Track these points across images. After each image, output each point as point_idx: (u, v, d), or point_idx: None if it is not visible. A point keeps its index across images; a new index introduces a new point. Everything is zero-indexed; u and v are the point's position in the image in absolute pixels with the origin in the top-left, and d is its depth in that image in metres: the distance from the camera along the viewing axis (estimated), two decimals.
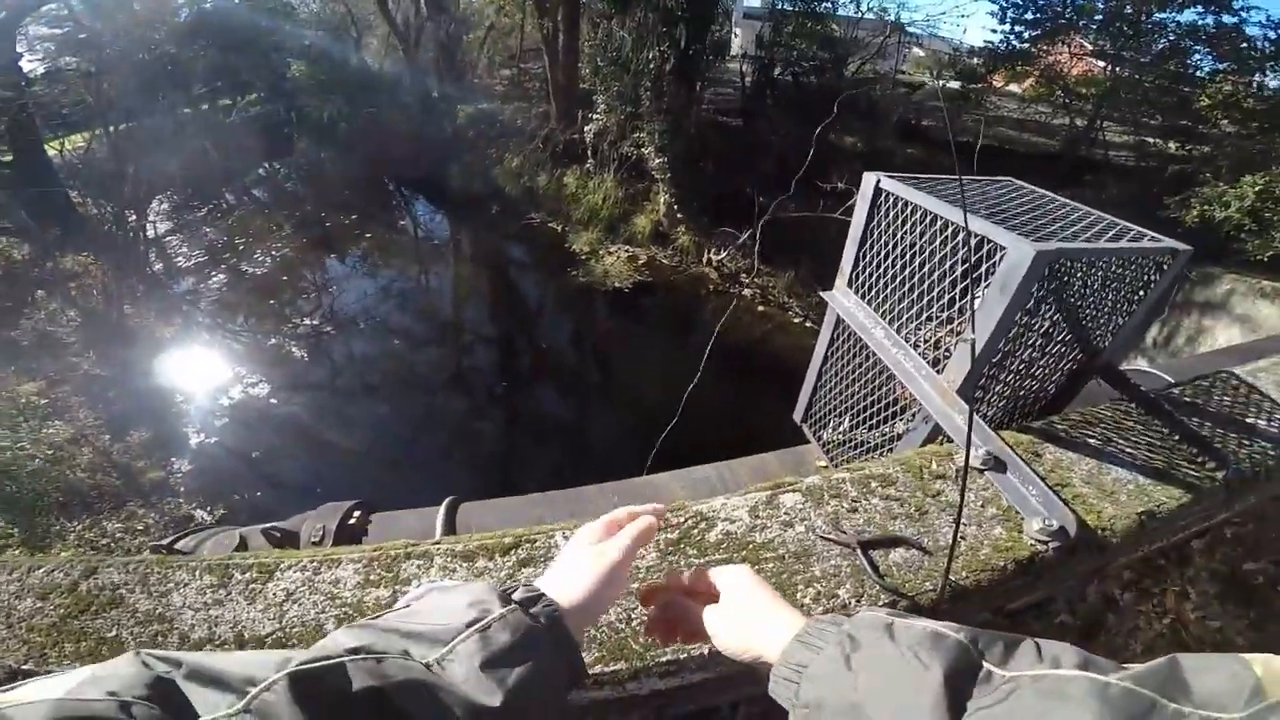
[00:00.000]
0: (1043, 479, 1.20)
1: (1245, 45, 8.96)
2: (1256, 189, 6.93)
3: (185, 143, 9.52)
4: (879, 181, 1.62)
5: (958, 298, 1.41)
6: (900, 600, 1.00)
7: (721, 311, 8.49)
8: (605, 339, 8.32)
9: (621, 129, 9.34)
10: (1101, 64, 10.96)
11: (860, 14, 11.73)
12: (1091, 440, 1.42)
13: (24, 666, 0.94)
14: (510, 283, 9.80)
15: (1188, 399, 1.67)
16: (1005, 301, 1.20)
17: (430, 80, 14.23)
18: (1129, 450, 1.41)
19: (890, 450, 1.72)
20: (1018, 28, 10.64)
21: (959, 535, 0.98)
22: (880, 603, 0.98)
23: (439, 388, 6.81)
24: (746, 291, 8.88)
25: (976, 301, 1.40)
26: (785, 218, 8.46)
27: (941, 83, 13.98)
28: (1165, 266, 1.44)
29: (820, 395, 2.13)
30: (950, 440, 1.41)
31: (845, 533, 1.07)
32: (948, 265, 1.42)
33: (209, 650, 0.97)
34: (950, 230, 1.37)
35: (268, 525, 1.80)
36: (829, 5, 10.69)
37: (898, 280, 1.60)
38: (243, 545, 1.73)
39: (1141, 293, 1.50)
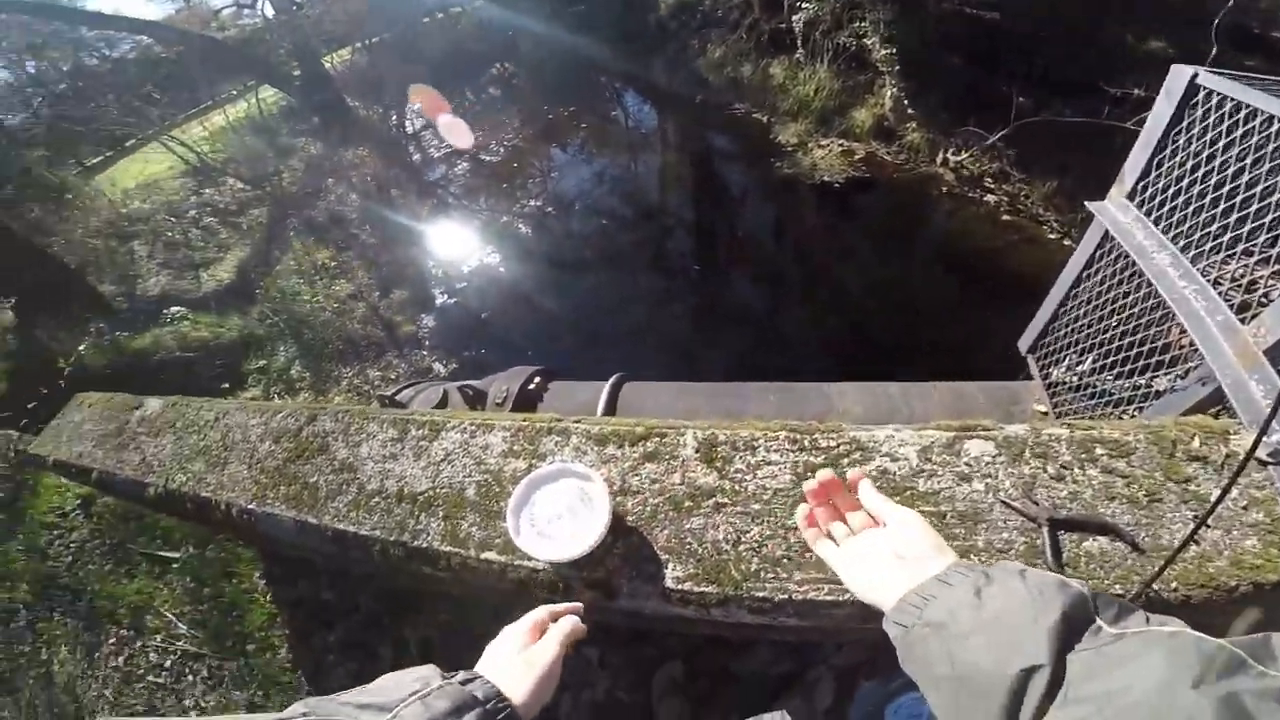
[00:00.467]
0: None
1: None
2: None
3: (428, 49, 10.42)
4: (1195, 76, 1.23)
5: None
6: None
7: (954, 215, 7.40)
8: (808, 233, 7.78)
9: (837, 18, 8.11)
10: None
11: None
12: None
13: (249, 506, 1.20)
14: (712, 171, 9.55)
15: None
16: None
17: None
18: None
19: (1140, 411, 1.37)
20: None
21: (1196, 536, 0.74)
22: None
23: (641, 267, 7.07)
24: (990, 198, 7.52)
25: None
26: (1056, 122, 6.88)
27: None
28: None
29: (1059, 326, 1.75)
30: (1233, 414, 1.06)
31: (1037, 504, 0.87)
32: None
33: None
34: None
35: (464, 383, 2.07)
36: None
37: (1205, 199, 1.20)
38: (444, 399, 2.02)
39: None
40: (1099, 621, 0.50)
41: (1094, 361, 1.59)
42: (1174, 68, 1.28)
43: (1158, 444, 0.96)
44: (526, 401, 1.92)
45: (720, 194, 8.91)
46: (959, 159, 7.63)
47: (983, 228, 7.25)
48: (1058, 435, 0.98)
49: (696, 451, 1.03)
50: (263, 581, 2.17)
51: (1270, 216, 1.06)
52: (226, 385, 5.23)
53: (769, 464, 0.99)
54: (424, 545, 1.03)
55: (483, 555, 0.98)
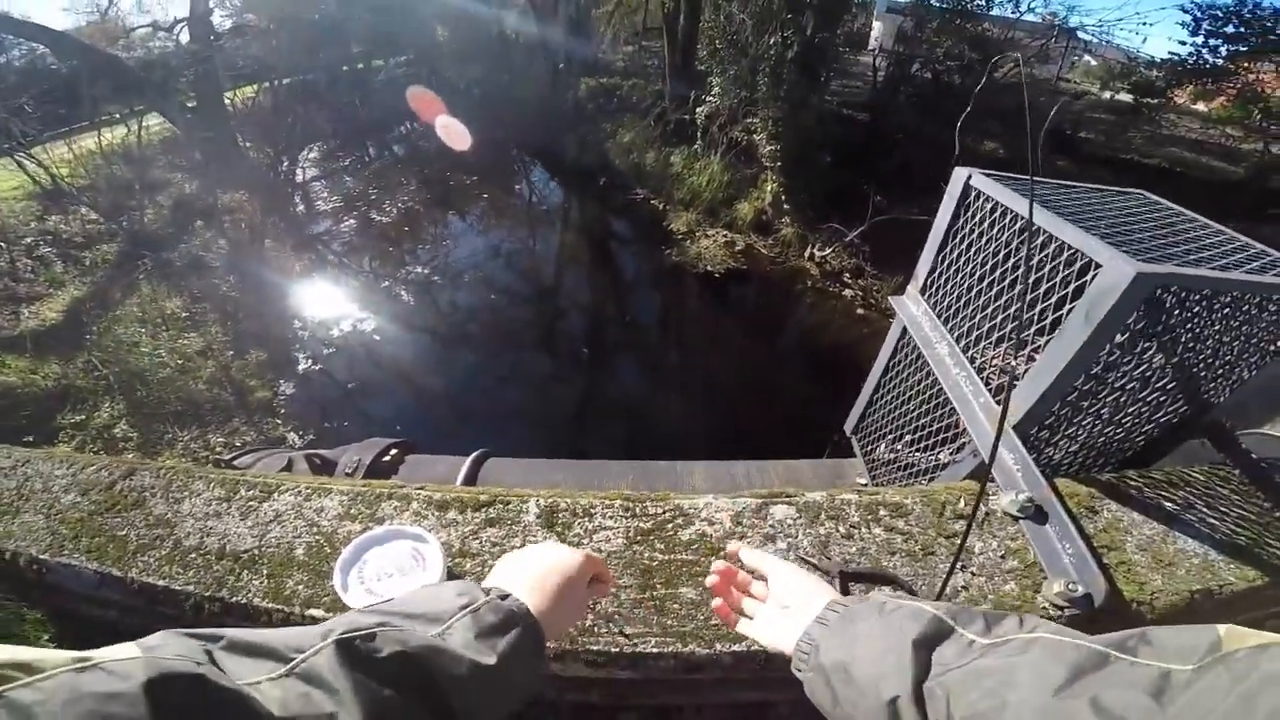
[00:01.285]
0: (1087, 538, 1.03)
1: None
2: None
3: (338, 98, 10.35)
4: (970, 178, 1.45)
5: (1036, 319, 1.23)
6: None
7: (816, 309, 8.16)
8: (692, 321, 8.23)
9: (733, 113, 9.04)
10: None
11: (1018, 14, 10.65)
12: (1167, 504, 1.21)
13: (41, 556, 1.06)
14: (608, 254, 9.95)
15: None
16: (1088, 330, 1.00)
17: (559, 52, 14.63)
18: (1211, 521, 1.18)
19: (932, 479, 1.56)
20: (1213, 41, 9.26)
21: (949, 582, 0.86)
22: None
23: (527, 345, 7.06)
24: (848, 292, 8.42)
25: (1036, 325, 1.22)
26: (903, 220, 7.93)
27: (1109, 94, 12.46)
28: None
29: (874, 409, 1.97)
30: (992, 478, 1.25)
31: (829, 558, 0.97)
32: (1031, 280, 1.24)
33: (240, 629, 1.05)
34: (1042, 238, 1.18)
35: (311, 451, 1.94)
36: (982, 3, 9.74)
37: (974, 292, 1.43)
38: (289, 467, 1.88)
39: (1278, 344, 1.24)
40: (963, 633, 0.53)
41: (903, 440, 1.81)
42: (956, 170, 1.47)
43: (930, 505, 1.11)
44: (379, 473, 1.83)
45: (613, 277, 9.22)
46: (823, 254, 8.53)
47: (840, 320, 8.00)
48: (848, 499, 1.10)
49: (538, 517, 1.05)
50: (52, 645, 1.82)
51: (1014, 307, 1.29)
52: (30, 439, 4.49)
53: (604, 529, 1.03)
54: (243, 601, 0.95)
55: (308, 612, 0.92)
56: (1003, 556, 1.02)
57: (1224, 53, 9.28)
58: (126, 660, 0.37)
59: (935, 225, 1.60)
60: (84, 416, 4.80)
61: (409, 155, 13.32)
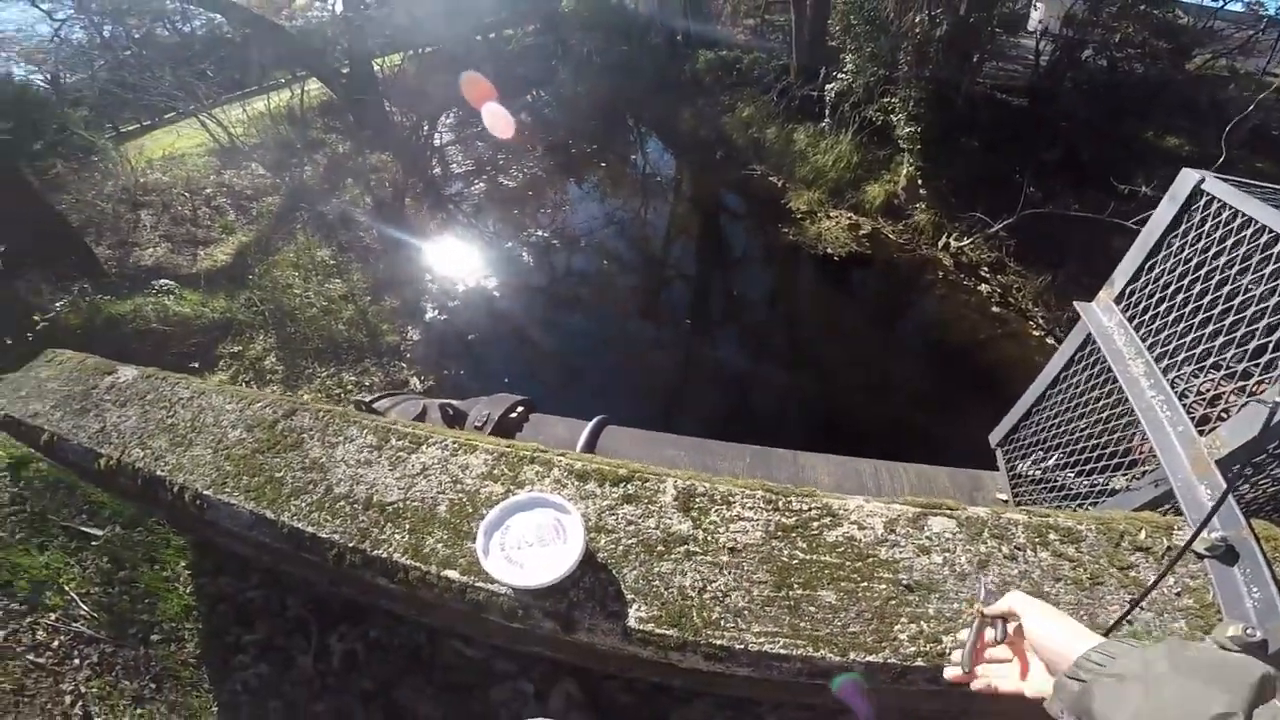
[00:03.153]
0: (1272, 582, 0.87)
1: None
2: None
3: (473, 67, 10.81)
4: (1202, 181, 1.26)
5: (1269, 348, 1.05)
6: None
7: (945, 301, 7.58)
8: (803, 302, 7.94)
9: (869, 91, 8.47)
10: None
11: (1220, 2, 9.11)
12: None
13: (205, 492, 1.17)
14: (719, 228, 9.80)
15: None
16: None
17: (678, 23, 14.34)
18: None
19: (1094, 506, 1.40)
20: None
21: (1130, 616, 0.75)
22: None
23: (633, 312, 7.16)
24: (984, 287, 7.73)
25: None
26: (1058, 215, 7.14)
27: None
28: None
29: (1031, 423, 1.79)
30: (1179, 512, 1.09)
31: (991, 589, 0.88)
32: (1262, 302, 1.06)
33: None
34: None
35: (445, 401, 2.07)
36: None
37: (1187, 308, 1.25)
38: (422, 414, 2.01)
39: None
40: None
41: (1059, 459, 1.63)
42: (1184, 171, 1.30)
43: (1106, 534, 0.99)
44: (506, 429, 1.92)
45: (723, 251, 9.08)
46: (960, 245, 7.87)
47: (971, 317, 7.40)
48: (1015, 520, 1.00)
49: (675, 499, 1.04)
50: (187, 572, 2.09)
51: (1241, 332, 1.11)
52: (196, 365, 5.12)
53: (742, 519, 1.01)
54: (384, 555, 1.01)
55: (444, 573, 0.97)
56: (1178, 594, 0.90)
57: None
58: None
59: (1147, 229, 1.41)
60: (240, 347, 5.41)
61: (535, 122, 13.73)
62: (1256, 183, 1.21)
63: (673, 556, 0.94)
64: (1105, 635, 0.76)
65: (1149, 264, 1.41)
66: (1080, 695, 0.60)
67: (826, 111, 9.30)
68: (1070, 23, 8.87)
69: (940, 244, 8.10)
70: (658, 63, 13.67)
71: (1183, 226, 1.30)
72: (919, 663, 0.83)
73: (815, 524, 0.99)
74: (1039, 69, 9.55)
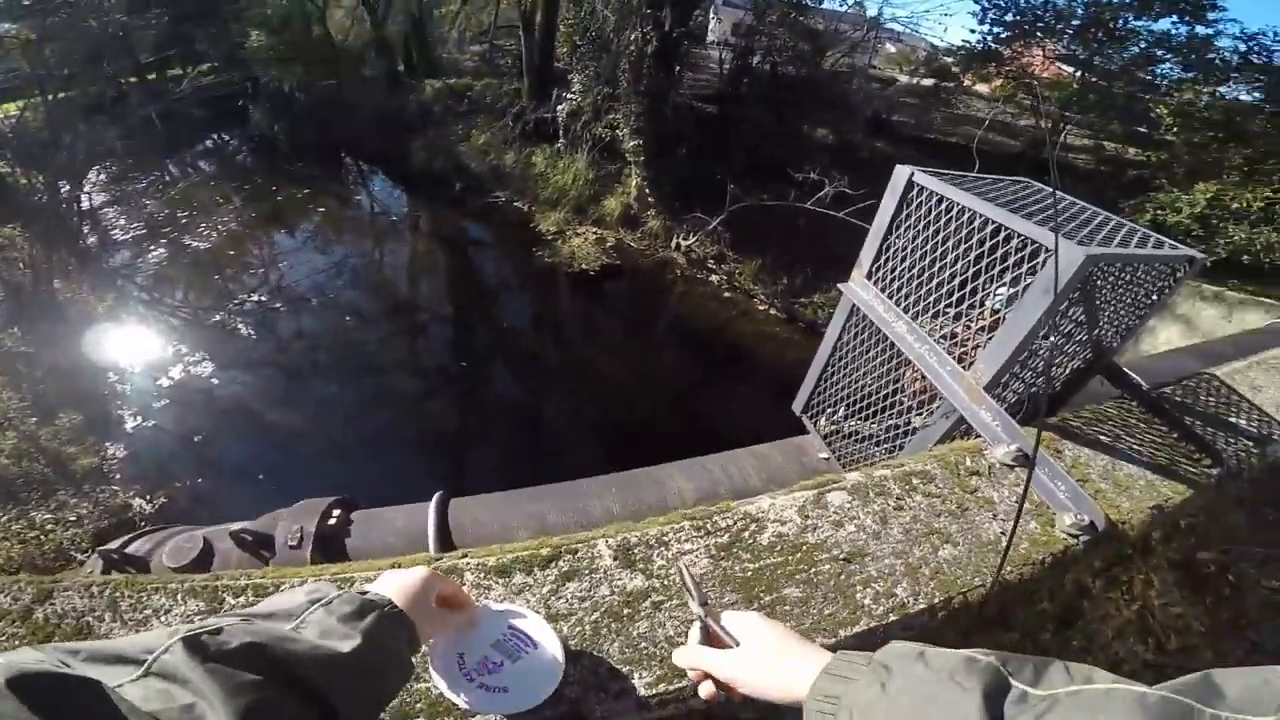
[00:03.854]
0: (1068, 475, 1.21)
1: (1213, 56, 9.29)
2: (1208, 196, 7.42)
3: (128, 113, 8.86)
4: (912, 175, 1.60)
5: (984, 295, 1.41)
6: (954, 597, 0.98)
7: (686, 296, 8.54)
8: (569, 321, 8.23)
9: (596, 109, 9.14)
10: (1070, 69, 11.29)
11: (845, 7, 11.78)
12: (1104, 437, 1.45)
13: None
14: (471, 261, 9.58)
15: (1179, 398, 1.74)
16: (1047, 302, 1.19)
17: (397, 54, 13.73)
18: (1137, 447, 1.45)
19: (898, 443, 1.72)
20: (995, 29, 10.91)
21: (1016, 531, 0.96)
22: (935, 600, 0.97)
23: (391, 367, 6.62)
24: (714, 278, 8.90)
25: (997, 297, 1.40)
26: (756, 206, 8.52)
27: (915, 79, 14.36)
28: (1180, 273, 1.48)
29: (825, 388, 2.11)
30: (972, 435, 1.42)
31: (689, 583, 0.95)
32: (973, 262, 1.41)
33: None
34: (985, 229, 1.36)
35: (237, 526, 1.64)
36: None
37: (921, 275, 1.59)
38: (207, 549, 1.58)
39: (1155, 296, 1.53)
40: (1018, 686, 0.49)
41: (853, 412, 1.97)
42: (897, 168, 1.63)
43: (947, 468, 1.24)
44: (331, 541, 1.60)
45: (481, 284, 8.92)
46: (688, 243, 8.94)
47: (709, 305, 8.49)
48: (885, 475, 1.20)
49: (615, 559, 0.99)
50: None
51: (960, 287, 1.47)
52: None
53: (685, 553, 1.01)
54: None
55: None
56: (1015, 501, 1.17)
57: (1003, 38, 10.94)
58: None
59: (878, 218, 1.75)
60: None
61: (222, 171, 11.76)
62: (949, 172, 1.59)
63: (643, 613, 0.90)
64: (1004, 555, 0.95)
65: (885, 245, 1.77)
66: None
67: (561, 132, 9.73)
68: (739, 32, 10.59)
69: (673, 244, 9.10)
70: (377, 96, 12.80)
71: (904, 212, 1.66)
72: (892, 618, 0.94)
73: (746, 534, 1.05)
74: (722, 77, 11.25)
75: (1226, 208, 7.36)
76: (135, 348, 6.11)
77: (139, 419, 5.28)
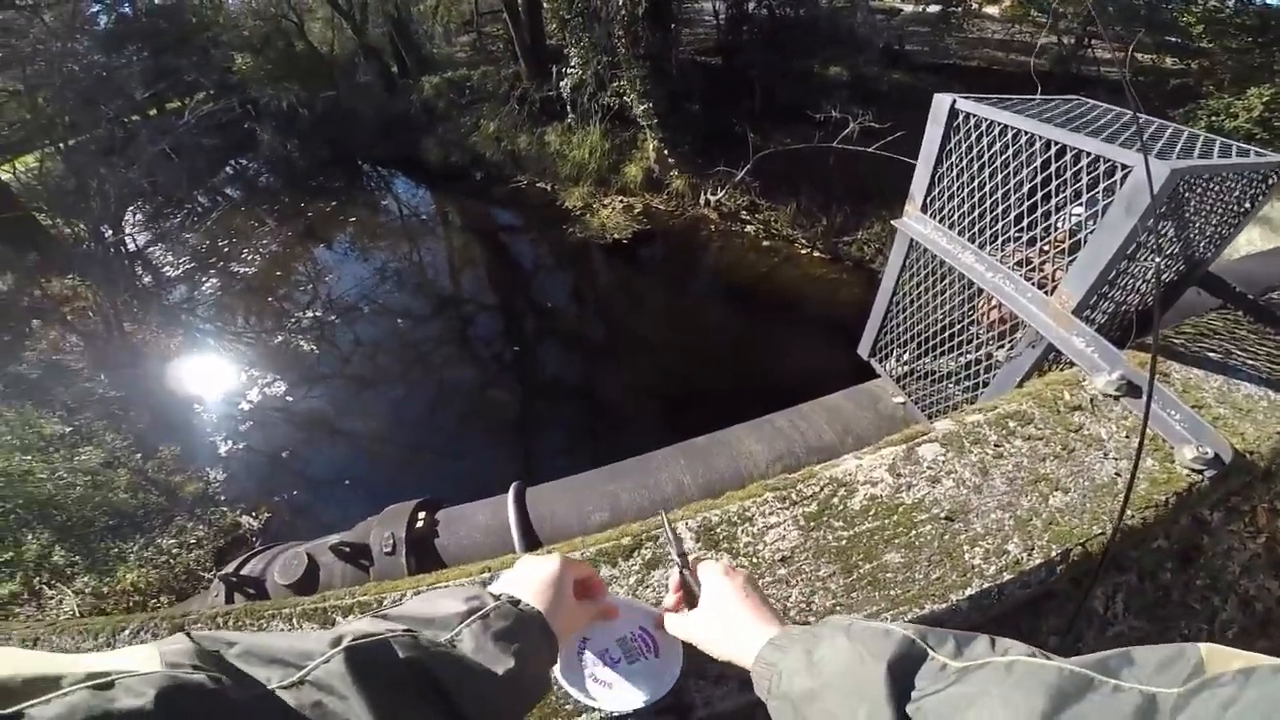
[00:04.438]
0: (1181, 402, 1.11)
1: None
2: (1264, 99, 6.91)
3: (142, 150, 9.18)
4: (954, 103, 1.49)
5: (1056, 219, 1.31)
6: (1072, 548, 0.92)
7: (724, 250, 8.37)
8: (611, 292, 8.20)
9: (599, 80, 8.90)
10: None
11: None
12: (1213, 354, 1.34)
13: None
14: (505, 248, 9.62)
15: None
16: (1133, 220, 1.10)
17: (387, 56, 13.65)
18: (1252, 363, 1.33)
19: (981, 379, 1.64)
20: None
21: (1135, 473, 0.89)
22: (1052, 554, 0.91)
23: (449, 362, 6.77)
24: (749, 229, 8.69)
25: (1073, 218, 1.29)
26: (781, 151, 8.24)
27: (921, 7, 13.48)
28: (1272, 180, 1.35)
29: (890, 327, 2.02)
30: (1064, 365, 1.32)
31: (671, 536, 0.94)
32: (1040, 185, 1.30)
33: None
34: (1049, 151, 1.25)
35: (334, 539, 1.72)
36: None
37: (981, 203, 1.48)
38: (312, 564, 1.66)
39: (1247, 204, 1.41)
40: (937, 657, 0.51)
41: (925, 350, 1.88)
42: (936, 97, 1.53)
43: (1045, 405, 1.15)
44: (421, 544, 1.65)
45: (518, 269, 8.97)
46: (717, 198, 8.72)
47: (749, 256, 8.31)
48: (978, 420, 1.12)
49: (697, 540, 0.97)
50: None
51: (1027, 212, 1.36)
52: None
53: (771, 528, 0.97)
54: None
55: None
56: (1126, 436, 1.09)
57: None
58: (142, 676, 0.37)
59: (924, 150, 1.63)
60: (11, 554, 4.19)
61: (250, 195, 12.10)
62: (992, 96, 1.47)
63: None
64: (1124, 502, 0.88)
65: (937, 176, 1.65)
66: (773, 715, 0.60)
67: (568, 108, 9.54)
68: None
69: (701, 201, 8.90)
70: (377, 101, 12.84)
71: (952, 141, 1.54)
72: (1005, 576, 0.88)
73: (835, 500, 1.01)
74: (720, 28, 10.80)
75: None
76: (212, 377, 6.47)
77: (230, 443, 5.64)
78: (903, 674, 0.50)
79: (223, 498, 5.00)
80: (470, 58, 13.77)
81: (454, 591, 0.64)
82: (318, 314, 7.57)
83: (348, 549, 1.71)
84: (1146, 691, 0.39)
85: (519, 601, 0.65)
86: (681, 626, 0.75)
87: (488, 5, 14.15)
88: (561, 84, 9.34)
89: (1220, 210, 1.41)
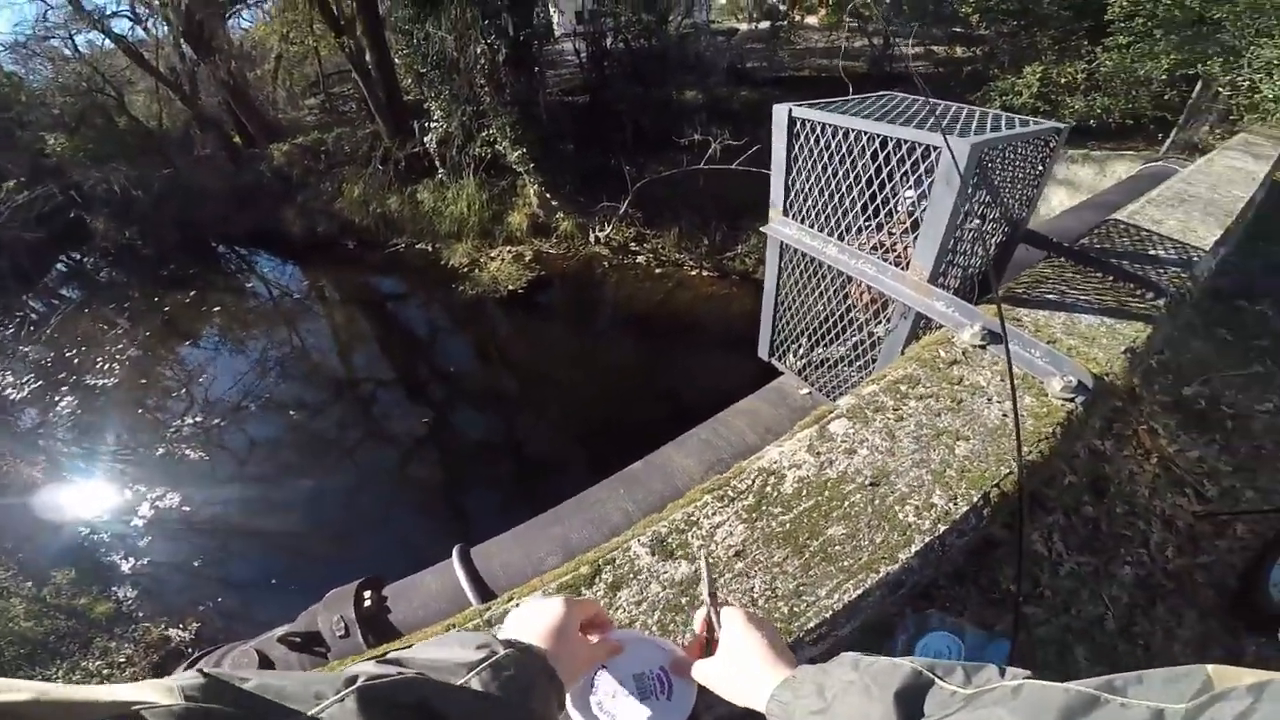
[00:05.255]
0: (1037, 340, 1.29)
1: None
2: (1038, 76, 8.18)
3: None
4: (791, 111, 1.64)
5: (895, 202, 1.49)
6: (989, 490, 1.02)
7: (620, 284, 8.55)
8: (514, 344, 8.10)
9: (467, 131, 8.91)
10: None
11: None
12: (1050, 296, 1.55)
13: None
14: (393, 317, 9.24)
15: (1099, 246, 1.87)
16: (953, 193, 1.27)
17: (227, 125, 12.90)
18: (1084, 299, 1.55)
19: (869, 356, 1.80)
20: None
21: (1017, 409, 1.02)
22: (974, 499, 0.99)
23: (358, 445, 6.44)
24: (640, 259, 8.93)
25: (907, 200, 1.48)
26: (656, 179, 8.60)
27: (754, 25, 14.78)
28: (1053, 143, 1.60)
29: (780, 327, 2.16)
30: (934, 328, 1.49)
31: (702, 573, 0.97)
32: (875, 175, 1.47)
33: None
34: (874, 143, 1.41)
35: (280, 632, 1.59)
36: None
37: (832, 199, 1.64)
38: (264, 659, 1.52)
39: (1040, 166, 1.65)
40: (944, 685, 0.53)
41: (820, 339, 2.04)
42: (775, 107, 1.66)
43: (926, 365, 1.30)
44: (374, 621, 1.56)
45: (411, 337, 8.67)
46: (605, 234, 8.92)
47: (644, 285, 8.56)
48: (873, 391, 1.25)
49: (653, 554, 0.98)
50: None
51: (864, 198, 1.51)
52: None
53: (718, 527, 1.01)
54: None
55: None
56: (1001, 379, 1.24)
57: None
58: (164, 709, 0.38)
59: (774, 158, 1.78)
60: None
61: (91, 293, 10.81)
62: (821, 100, 1.64)
63: (699, 595, 0.91)
64: (1020, 447, 0.99)
65: (790, 181, 1.81)
66: None
67: (437, 163, 9.42)
68: (583, 19, 10.53)
69: (591, 239, 9.07)
70: (223, 173, 12.02)
71: (796, 147, 1.70)
72: (941, 528, 0.96)
73: (768, 488, 1.06)
74: (583, 66, 11.18)
75: (1057, 83, 8.20)
76: (93, 499, 5.89)
77: (131, 560, 5.22)
78: (911, 700, 0.52)
79: (141, 614, 4.66)
80: (321, 120, 13.26)
81: (461, 637, 0.64)
82: (198, 419, 6.94)
83: (298, 639, 1.58)
84: (1154, 707, 0.39)
85: (527, 648, 0.66)
86: (700, 672, 0.76)
87: (333, 65, 13.73)
88: (426, 139, 9.24)
89: (1022, 175, 1.64)
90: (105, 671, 4.03)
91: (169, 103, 13.56)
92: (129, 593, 4.90)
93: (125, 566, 5.16)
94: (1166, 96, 7.52)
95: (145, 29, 13.04)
